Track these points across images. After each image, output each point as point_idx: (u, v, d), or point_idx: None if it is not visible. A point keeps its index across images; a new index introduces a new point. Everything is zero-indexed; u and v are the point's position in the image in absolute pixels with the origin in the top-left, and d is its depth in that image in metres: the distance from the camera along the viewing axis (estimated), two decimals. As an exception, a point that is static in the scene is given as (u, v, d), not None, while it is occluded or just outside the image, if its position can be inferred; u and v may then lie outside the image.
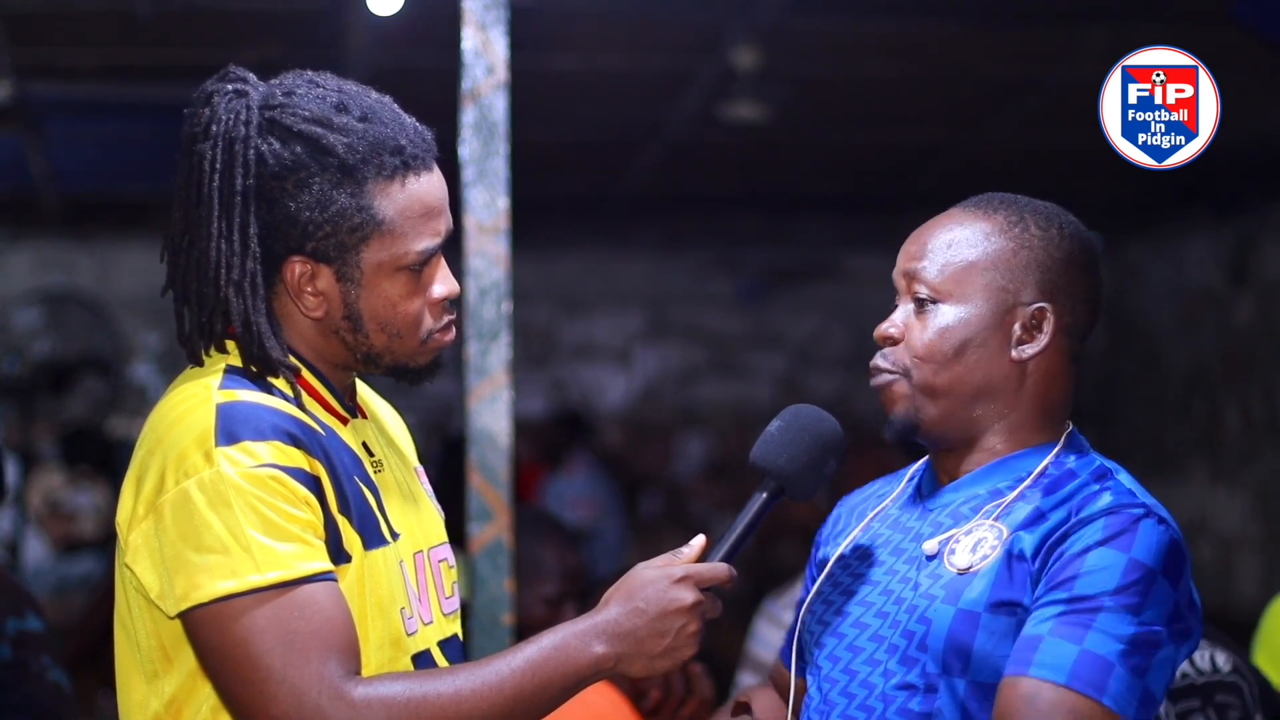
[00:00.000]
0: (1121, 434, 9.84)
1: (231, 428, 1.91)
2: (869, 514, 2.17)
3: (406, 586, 2.02)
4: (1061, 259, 2.06)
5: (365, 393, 2.19)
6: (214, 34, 5.78)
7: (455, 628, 2.13)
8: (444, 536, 2.17)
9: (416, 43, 5.21)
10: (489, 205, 2.93)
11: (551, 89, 6.31)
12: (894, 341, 2.07)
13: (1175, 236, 9.25)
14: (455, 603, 2.14)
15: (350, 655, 1.89)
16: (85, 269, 9.70)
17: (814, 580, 2.19)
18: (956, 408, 2.05)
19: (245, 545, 1.87)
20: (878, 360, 2.08)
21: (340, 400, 2.06)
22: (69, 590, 6.72)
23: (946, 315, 2.04)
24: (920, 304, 2.06)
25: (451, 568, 2.15)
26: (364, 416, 2.12)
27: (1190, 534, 8.91)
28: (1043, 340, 2.05)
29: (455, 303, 2.09)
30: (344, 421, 2.05)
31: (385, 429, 2.18)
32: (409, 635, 2.00)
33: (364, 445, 2.06)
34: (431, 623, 2.06)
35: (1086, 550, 1.91)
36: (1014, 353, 2.05)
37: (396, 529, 2.03)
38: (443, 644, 2.07)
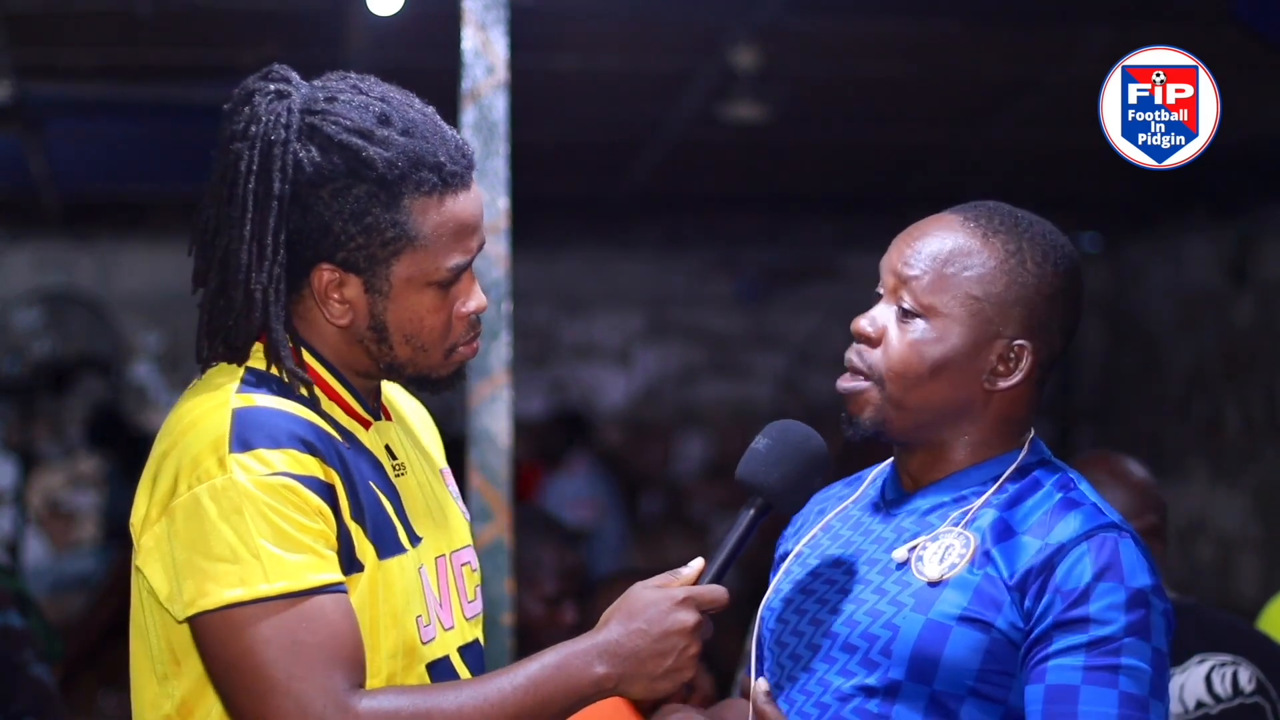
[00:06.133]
0: (1121, 434, 9.84)
1: (246, 434, 1.90)
2: (828, 514, 2.19)
3: (426, 593, 2.01)
4: (1049, 295, 2.06)
5: (393, 392, 2.19)
6: (214, 34, 5.78)
7: (477, 632, 2.12)
8: (468, 539, 2.16)
9: (416, 43, 5.20)
10: (489, 205, 2.93)
11: (551, 89, 6.31)
12: (869, 340, 2.06)
13: (1175, 236, 9.25)
14: (478, 606, 2.14)
15: (356, 668, 1.89)
16: (85, 269, 9.69)
17: (773, 578, 2.20)
18: (921, 422, 2.06)
19: (255, 553, 1.86)
20: (852, 358, 2.08)
21: (363, 403, 2.05)
22: (66, 590, 6.72)
23: (926, 334, 2.04)
24: (904, 313, 2.05)
25: (475, 571, 2.14)
26: (388, 418, 2.11)
27: (1190, 534, 8.84)
28: (1017, 376, 2.06)
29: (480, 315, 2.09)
30: (366, 425, 2.04)
31: (411, 430, 2.17)
32: (425, 644, 2.00)
33: (386, 448, 2.06)
34: (453, 628, 2.06)
35: (1087, 590, 1.94)
36: (985, 383, 2.05)
37: (418, 533, 2.03)
38: (463, 650, 2.06)
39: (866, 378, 2.06)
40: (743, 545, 2.02)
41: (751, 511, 2.04)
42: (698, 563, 2.00)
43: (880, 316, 2.07)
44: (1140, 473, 2.83)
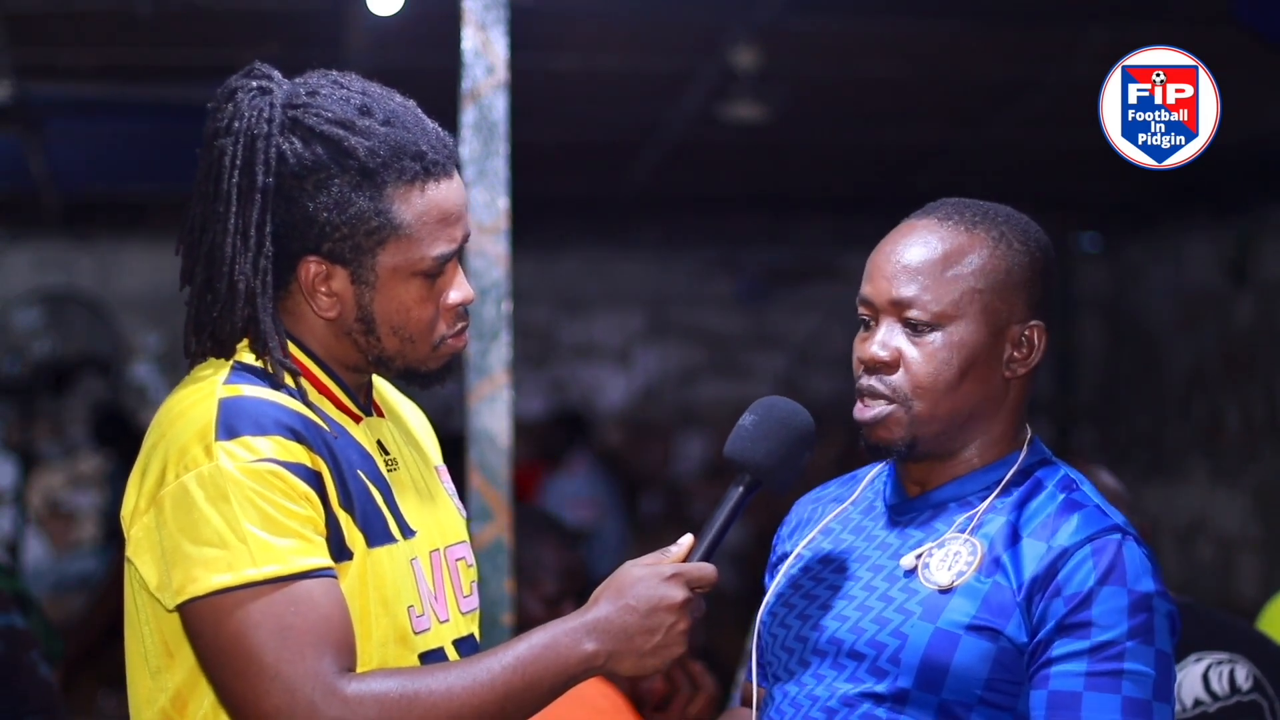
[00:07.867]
0: (1121, 434, 9.84)
1: (232, 422, 1.91)
2: (826, 516, 2.18)
3: (419, 584, 2.02)
4: (1042, 273, 2.08)
5: (387, 390, 2.20)
6: (214, 34, 5.78)
7: (473, 627, 2.13)
8: (463, 535, 2.17)
9: (416, 43, 5.20)
10: (489, 205, 2.93)
11: (551, 89, 6.31)
12: (887, 366, 2.05)
13: (1175, 236, 9.25)
14: (474, 602, 2.14)
15: (345, 652, 1.89)
16: (85, 269, 9.70)
17: (772, 580, 2.19)
18: (952, 430, 2.06)
19: (242, 539, 1.87)
20: (873, 384, 2.05)
21: (353, 398, 2.06)
22: (67, 590, 6.73)
23: (948, 342, 2.03)
24: (915, 329, 2.04)
25: (470, 567, 2.15)
26: (380, 415, 2.12)
27: (1190, 534, 8.83)
28: (1035, 357, 2.07)
29: (468, 308, 2.09)
30: (356, 420, 2.05)
31: (406, 427, 2.18)
32: (417, 633, 2.00)
33: (378, 443, 2.07)
34: (448, 621, 2.06)
35: (1090, 594, 1.94)
36: (1007, 371, 2.06)
37: (412, 527, 2.04)
38: (458, 643, 2.07)
39: (890, 400, 2.05)
40: (731, 523, 2.02)
41: (740, 489, 2.03)
42: (687, 540, 2.00)
43: (889, 339, 2.05)
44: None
